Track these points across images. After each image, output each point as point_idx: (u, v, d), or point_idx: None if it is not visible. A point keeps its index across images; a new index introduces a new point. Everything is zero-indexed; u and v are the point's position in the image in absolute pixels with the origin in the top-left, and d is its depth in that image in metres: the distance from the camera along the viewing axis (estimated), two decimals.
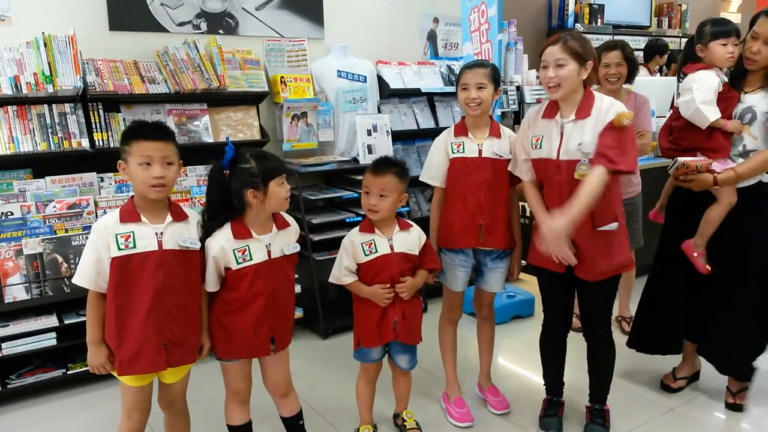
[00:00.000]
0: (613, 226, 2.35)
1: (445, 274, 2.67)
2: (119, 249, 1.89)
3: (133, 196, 1.99)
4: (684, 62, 2.74)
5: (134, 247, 1.90)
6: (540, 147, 2.38)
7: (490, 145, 2.55)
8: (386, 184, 2.33)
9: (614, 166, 2.22)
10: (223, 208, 2.08)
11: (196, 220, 2.07)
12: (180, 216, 2.01)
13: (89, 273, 1.91)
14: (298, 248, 2.21)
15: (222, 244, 2.05)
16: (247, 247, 2.07)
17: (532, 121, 2.45)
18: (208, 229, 2.09)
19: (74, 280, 1.95)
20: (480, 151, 2.54)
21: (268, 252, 2.10)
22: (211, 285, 2.09)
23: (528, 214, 4.31)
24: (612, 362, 2.57)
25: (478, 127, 2.57)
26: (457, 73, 2.60)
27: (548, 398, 2.71)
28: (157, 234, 1.94)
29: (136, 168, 1.89)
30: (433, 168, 2.63)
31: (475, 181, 2.53)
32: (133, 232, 1.91)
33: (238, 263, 2.05)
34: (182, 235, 1.99)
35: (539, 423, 2.66)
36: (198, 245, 2.02)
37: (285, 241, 2.16)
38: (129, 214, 1.94)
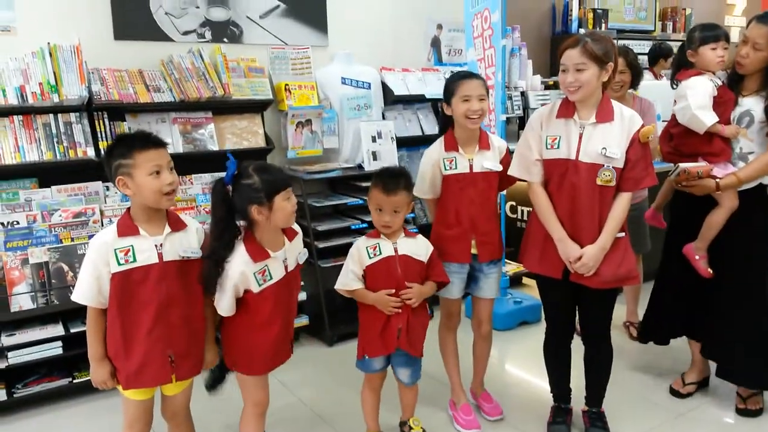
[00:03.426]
0: (620, 234, 2.35)
1: None
2: (119, 264, 1.87)
3: (128, 209, 1.96)
4: (677, 69, 2.75)
5: (134, 261, 1.88)
6: (558, 147, 2.34)
7: (481, 159, 2.52)
8: (399, 202, 2.30)
9: (641, 186, 2.33)
10: (229, 227, 2.01)
11: (194, 228, 2.03)
12: (178, 225, 1.99)
13: (89, 290, 1.88)
14: (307, 254, 2.22)
15: (241, 269, 1.99)
16: (266, 268, 2.03)
17: (545, 121, 2.40)
18: (215, 252, 1.99)
19: (73, 298, 1.92)
20: (471, 167, 2.52)
21: (285, 267, 2.09)
22: (227, 310, 2.03)
23: (524, 217, 4.31)
24: (609, 366, 2.56)
25: (469, 141, 2.53)
26: (449, 83, 2.52)
27: (556, 405, 2.69)
28: (156, 246, 1.91)
29: (145, 179, 1.85)
30: (426, 183, 2.60)
31: (467, 197, 2.52)
32: (132, 246, 1.88)
33: (259, 285, 2.02)
34: (182, 245, 1.97)
35: (547, 430, 2.64)
36: (199, 254, 2.00)
37: (296, 251, 2.16)
38: (127, 228, 1.90)
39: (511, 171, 2.50)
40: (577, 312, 2.55)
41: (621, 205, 2.31)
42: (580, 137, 2.30)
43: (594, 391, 2.60)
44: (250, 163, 2.01)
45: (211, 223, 2.03)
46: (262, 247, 2.02)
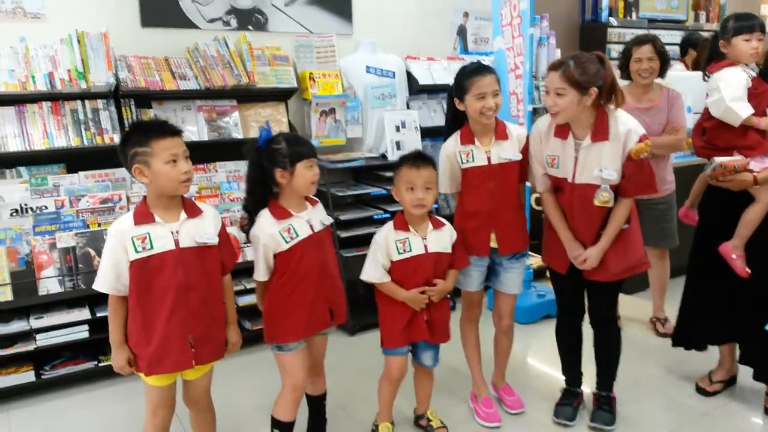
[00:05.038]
0: (624, 226, 2.37)
1: (458, 275, 2.63)
2: (137, 252, 1.89)
3: (145, 197, 1.98)
4: (709, 60, 2.66)
5: (151, 248, 1.90)
6: (557, 166, 2.38)
7: (498, 150, 2.48)
8: (429, 176, 2.32)
9: (639, 194, 2.35)
10: (260, 185, 2.17)
11: (211, 215, 2.05)
12: (194, 212, 2.00)
13: (109, 278, 1.91)
14: (331, 219, 2.30)
15: (268, 230, 2.11)
16: (291, 226, 2.13)
17: (545, 138, 2.41)
18: (248, 210, 2.17)
19: (94, 286, 1.95)
20: (489, 159, 2.48)
21: (311, 226, 2.18)
22: (261, 274, 2.16)
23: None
24: (617, 349, 2.60)
25: (485, 133, 2.49)
26: (461, 79, 2.45)
27: (566, 388, 2.75)
28: (173, 233, 1.93)
29: (162, 167, 1.87)
30: (446, 178, 2.57)
31: (486, 190, 2.49)
32: (148, 233, 1.91)
33: (286, 242, 2.12)
34: (198, 231, 1.98)
35: (554, 410, 2.69)
36: (215, 240, 2.01)
37: (319, 214, 2.25)
38: (143, 216, 1.93)
39: (529, 181, 2.56)
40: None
41: (621, 210, 2.34)
42: (576, 160, 2.32)
43: (603, 375, 2.63)
44: (283, 132, 2.22)
45: (246, 182, 2.21)
46: (284, 208, 2.16)
